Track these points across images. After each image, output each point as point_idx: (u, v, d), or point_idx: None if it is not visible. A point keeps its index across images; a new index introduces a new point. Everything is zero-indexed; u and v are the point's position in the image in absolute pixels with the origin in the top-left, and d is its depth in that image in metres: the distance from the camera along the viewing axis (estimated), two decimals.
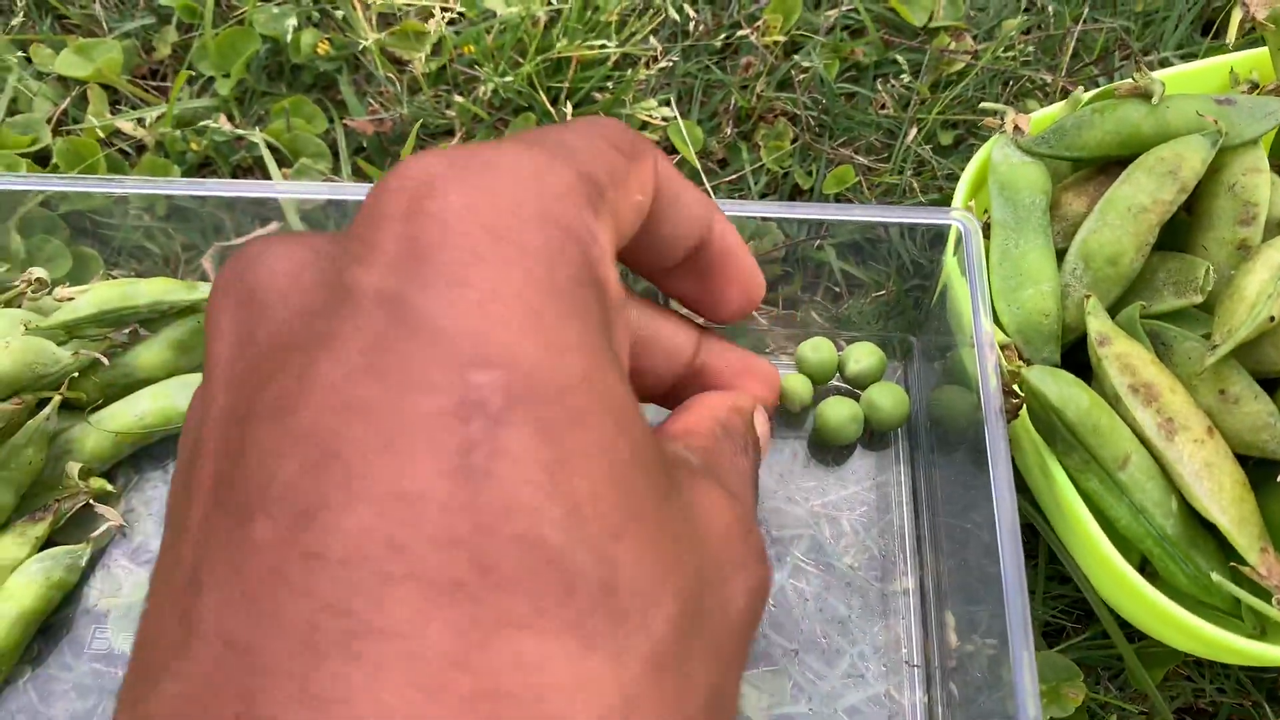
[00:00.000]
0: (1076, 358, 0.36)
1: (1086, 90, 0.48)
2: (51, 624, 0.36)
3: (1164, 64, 0.49)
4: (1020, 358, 0.35)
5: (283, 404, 0.15)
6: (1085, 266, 0.36)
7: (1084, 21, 0.49)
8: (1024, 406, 0.33)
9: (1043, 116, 0.39)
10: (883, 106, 0.47)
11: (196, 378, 0.39)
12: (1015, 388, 0.33)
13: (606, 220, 0.19)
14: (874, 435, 0.40)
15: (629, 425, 0.17)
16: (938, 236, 0.38)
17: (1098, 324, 0.34)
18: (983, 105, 0.39)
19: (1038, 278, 0.36)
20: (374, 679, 0.13)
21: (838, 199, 0.46)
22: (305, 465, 0.14)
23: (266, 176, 0.45)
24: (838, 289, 0.42)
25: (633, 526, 0.16)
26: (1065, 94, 0.48)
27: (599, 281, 0.18)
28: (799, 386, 0.40)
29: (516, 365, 0.15)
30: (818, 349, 0.40)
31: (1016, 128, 0.38)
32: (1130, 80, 0.37)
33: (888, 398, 0.39)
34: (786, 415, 0.40)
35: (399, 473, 0.14)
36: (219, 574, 0.14)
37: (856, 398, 0.40)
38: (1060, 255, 0.37)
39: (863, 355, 0.40)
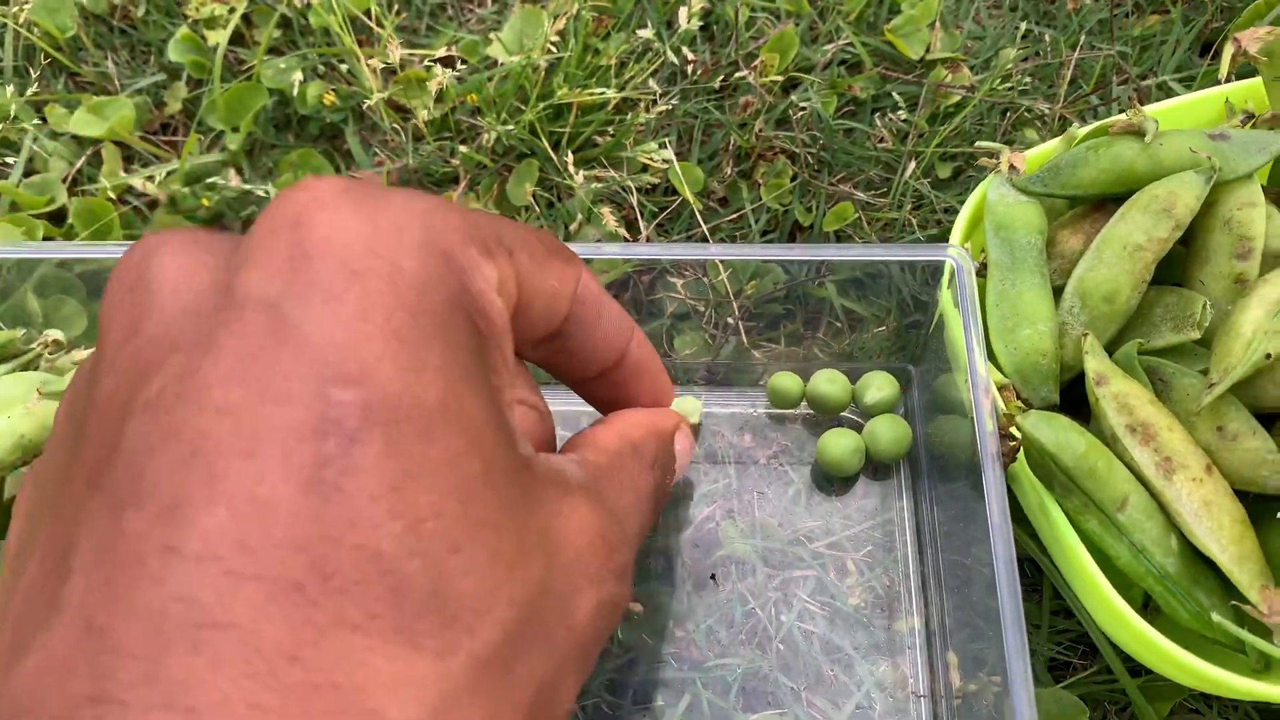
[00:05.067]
0: (1074, 393, 0.36)
1: (1085, 119, 0.48)
2: None
3: (1162, 88, 0.49)
4: (1018, 398, 0.35)
5: (161, 401, 0.16)
6: (1082, 304, 0.36)
7: (1080, 49, 0.49)
8: (1021, 448, 0.33)
9: (1038, 154, 0.39)
10: (881, 141, 0.48)
11: None
12: (1013, 430, 0.33)
13: (501, 262, 0.19)
14: (876, 467, 0.40)
15: (483, 443, 0.17)
16: (935, 271, 0.38)
17: (1095, 363, 0.34)
18: (978, 144, 0.40)
19: (1034, 318, 0.36)
20: (213, 666, 0.14)
21: (838, 235, 0.46)
22: (175, 462, 0.15)
23: None
24: (839, 324, 0.42)
25: (472, 539, 0.17)
26: (1063, 122, 0.48)
27: (477, 310, 0.19)
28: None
29: (375, 384, 0.16)
30: (833, 380, 0.40)
31: (1012, 166, 0.38)
32: (1124, 117, 0.38)
33: (890, 429, 0.39)
34: (790, 451, 0.41)
35: (257, 479, 0.15)
36: (87, 559, 0.15)
37: (857, 428, 0.40)
38: (1057, 292, 0.37)
39: (884, 384, 0.40)
